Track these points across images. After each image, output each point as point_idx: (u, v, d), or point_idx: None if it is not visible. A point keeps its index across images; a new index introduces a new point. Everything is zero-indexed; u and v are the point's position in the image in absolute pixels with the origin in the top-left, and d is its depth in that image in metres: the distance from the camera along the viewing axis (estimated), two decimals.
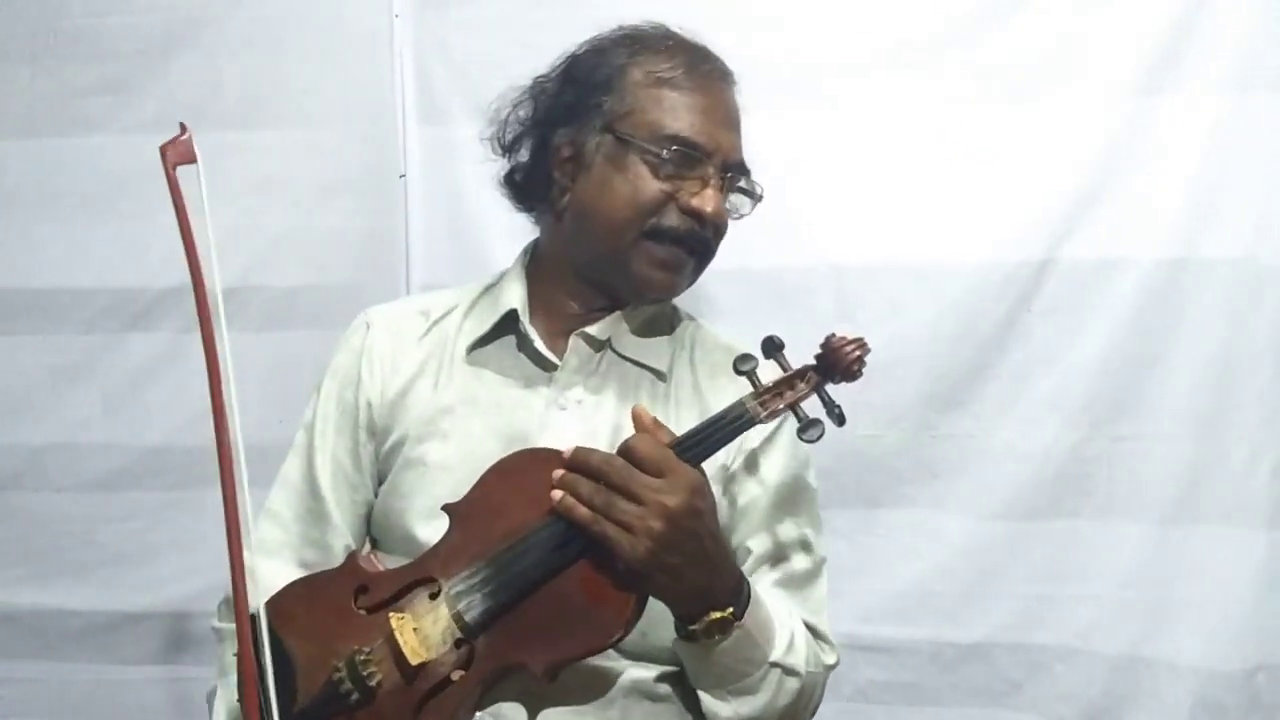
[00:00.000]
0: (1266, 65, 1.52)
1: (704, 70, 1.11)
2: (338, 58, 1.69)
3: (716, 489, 1.04)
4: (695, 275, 1.15)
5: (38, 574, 1.75)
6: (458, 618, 0.94)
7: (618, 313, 1.13)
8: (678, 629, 0.96)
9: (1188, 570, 1.54)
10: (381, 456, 1.13)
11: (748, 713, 0.99)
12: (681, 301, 1.21)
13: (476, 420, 1.08)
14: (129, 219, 1.73)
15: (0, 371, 1.75)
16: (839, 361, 0.96)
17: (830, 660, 1.08)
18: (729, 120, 1.11)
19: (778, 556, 1.09)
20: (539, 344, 1.11)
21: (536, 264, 1.18)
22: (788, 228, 1.61)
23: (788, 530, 1.10)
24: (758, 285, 1.63)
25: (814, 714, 1.08)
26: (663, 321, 1.18)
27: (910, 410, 1.60)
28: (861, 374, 0.97)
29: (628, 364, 1.12)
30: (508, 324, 1.13)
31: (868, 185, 1.60)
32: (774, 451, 1.11)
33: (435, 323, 1.16)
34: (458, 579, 0.95)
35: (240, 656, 0.77)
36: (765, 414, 0.96)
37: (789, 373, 0.98)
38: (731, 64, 1.61)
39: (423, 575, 0.98)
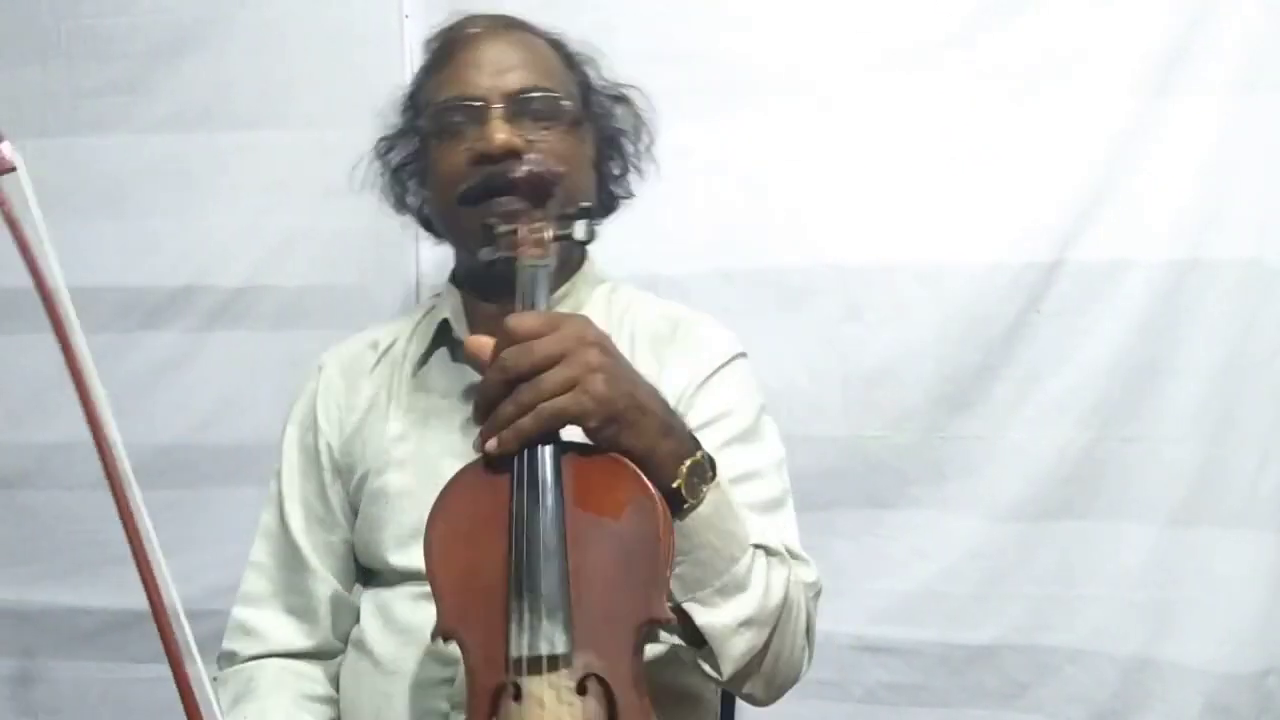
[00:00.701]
0: (1273, 65, 1.51)
1: (467, 35, 1.12)
2: (347, 58, 1.69)
3: None
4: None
5: (47, 573, 1.76)
6: (551, 666, 0.78)
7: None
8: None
9: (1197, 572, 1.54)
10: (350, 494, 1.13)
11: (744, 614, 0.89)
12: (685, 300, 1.21)
13: (430, 441, 1.08)
14: (139, 218, 1.73)
15: (11, 370, 1.76)
16: (534, 180, 0.97)
17: (811, 577, 1.00)
18: (499, 62, 1.09)
19: (736, 485, 0.98)
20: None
21: (460, 281, 1.19)
22: (793, 229, 1.62)
23: (742, 462, 1.03)
24: (763, 286, 1.63)
25: (809, 653, 1.00)
26: (596, 300, 1.15)
27: (918, 411, 1.60)
28: (547, 166, 0.99)
29: None
30: (444, 337, 1.13)
31: (874, 186, 1.60)
32: (716, 388, 1.08)
33: (384, 353, 1.17)
34: (512, 647, 0.79)
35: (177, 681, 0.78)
36: (543, 259, 0.92)
37: (519, 219, 0.95)
38: (736, 65, 1.62)
39: (487, 692, 0.80)
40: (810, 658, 1.01)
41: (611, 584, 0.80)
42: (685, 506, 0.85)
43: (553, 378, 0.80)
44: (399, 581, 1.07)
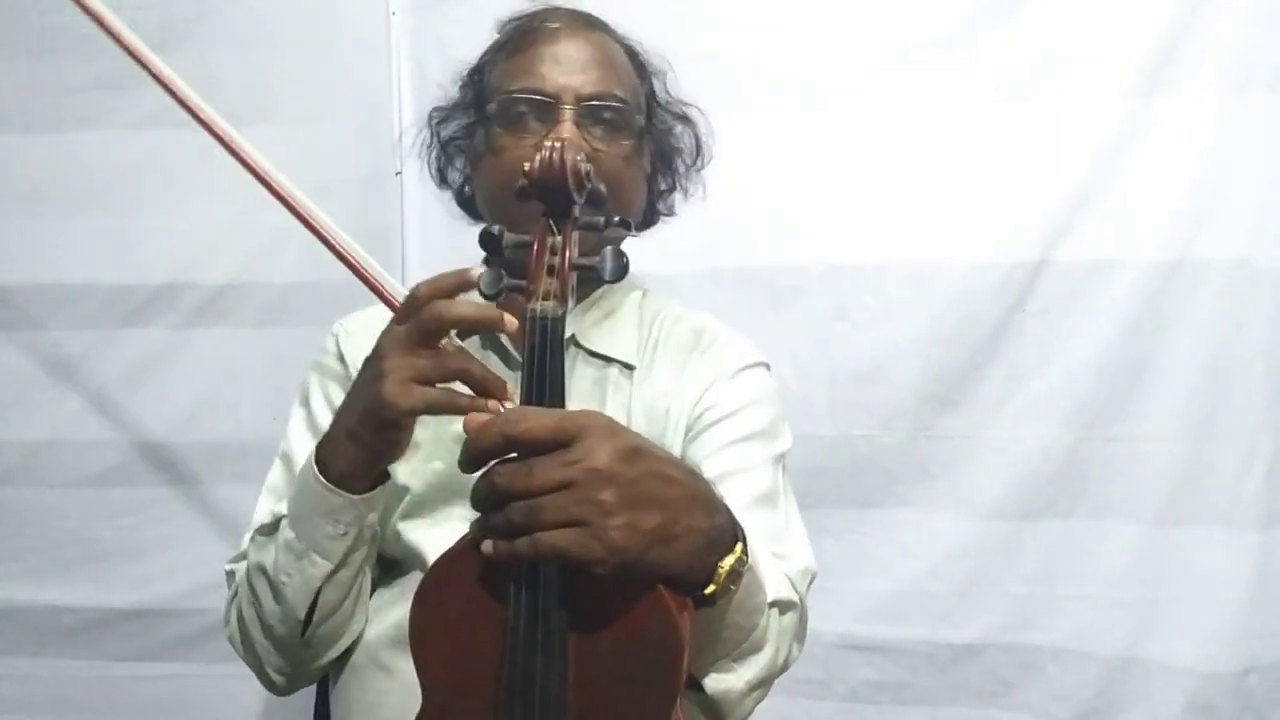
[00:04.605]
0: (1262, 66, 1.52)
1: (547, 28, 1.08)
2: (334, 54, 1.69)
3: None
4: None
5: (31, 570, 1.75)
6: None
7: (578, 306, 1.09)
8: (696, 602, 0.76)
9: (1181, 571, 1.55)
10: None
11: (757, 675, 0.87)
12: (680, 297, 1.21)
13: (444, 427, 1.05)
14: (123, 215, 1.72)
15: None
16: (552, 179, 0.75)
17: (801, 565, 0.97)
18: (576, 62, 1.06)
19: (727, 478, 0.96)
20: (503, 338, 1.06)
21: None
22: (784, 228, 1.62)
23: (746, 455, 1.01)
24: (754, 285, 1.63)
25: (802, 644, 0.98)
26: (629, 306, 1.13)
27: (905, 410, 1.61)
28: (585, 168, 0.77)
29: (597, 360, 1.07)
30: None
31: (864, 185, 1.61)
32: (739, 385, 1.07)
33: None
34: None
35: None
36: (555, 300, 0.76)
37: (531, 243, 0.78)
38: (725, 64, 1.61)
39: None
40: (802, 644, 0.99)
41: (617, 709, 0.72)
42: (717, 603, 0.76)
43: (554, 508, 0.67)
44: (406, 555, 1.05)
